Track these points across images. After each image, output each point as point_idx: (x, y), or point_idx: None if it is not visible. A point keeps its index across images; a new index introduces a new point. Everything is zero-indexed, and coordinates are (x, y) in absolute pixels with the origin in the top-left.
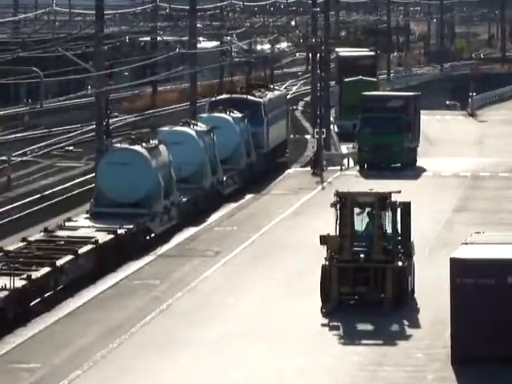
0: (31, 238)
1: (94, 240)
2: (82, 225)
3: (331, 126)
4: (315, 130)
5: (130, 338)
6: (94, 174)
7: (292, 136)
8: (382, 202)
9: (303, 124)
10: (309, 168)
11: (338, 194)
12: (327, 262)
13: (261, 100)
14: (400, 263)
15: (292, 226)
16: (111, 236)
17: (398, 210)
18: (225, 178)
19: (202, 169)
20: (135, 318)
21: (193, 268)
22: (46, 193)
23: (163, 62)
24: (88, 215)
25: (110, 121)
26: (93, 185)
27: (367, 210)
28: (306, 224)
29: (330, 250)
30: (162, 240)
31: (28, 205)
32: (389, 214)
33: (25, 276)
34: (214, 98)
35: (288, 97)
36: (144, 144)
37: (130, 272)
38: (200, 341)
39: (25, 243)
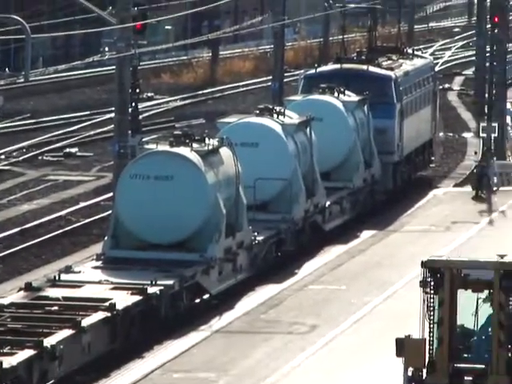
0: (2, 301)
1: (108, 304)
2: (89, 279)
3: (508, 118)
4: (481, 125)
5: None
6: (110, 195)
7: (442, 134)
8: (510, 279)
9: (460, 115)
10: (469, 188)
11: (428, 264)
12: None
13: (391, 74)
14: None
15: None
16: (137, 298)
17: None
18: (328, 204)
19: (292, 188)
20: None
21: (272, 353)
22: (30, 225)
23: (229, 9)
24: (99, 263)
25: (141, 105)
26: (108, 212)
27: (484, 294)
28: None
29: (411, 365)
30: (222, 305)
31: None
32: None
33: None
34: (312, 70)
35: (437, 69)
36: (195, 145)
37: (168, 358)
38: None
39: None
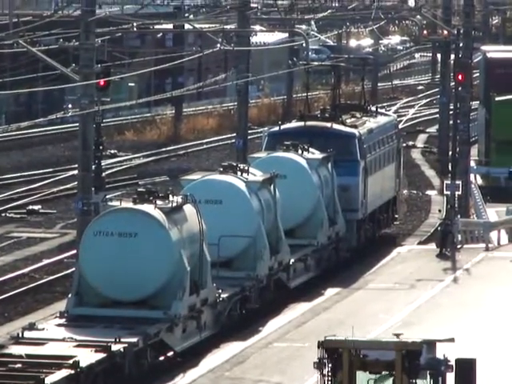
0: None
1: (71, 362)
2: (53, 336)
3: (471, 176)
4: (444, 183)
5: None
6: (74, 252)
7: (405, 192)
8: (412, 360)
9: (424, 172)
10: (433, 245)
11: (325, 344)
12: None
13: (355, 131)
14: None
15: None
16: (101, 355)
17: (445, 376)
18: (292, 261)
19: (256, 245)
20: None
21: None
22: None
23: (193, 66)
24: (63, 320)
25: (104, 162)
26: (72, 270)
27: (383, 375)
28: None
29: None
30: (187, 363)
31: None
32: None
33: None
34: (276, 127)
35: (400, 126)
36: (159, 202)
37: None
38: None
39: None
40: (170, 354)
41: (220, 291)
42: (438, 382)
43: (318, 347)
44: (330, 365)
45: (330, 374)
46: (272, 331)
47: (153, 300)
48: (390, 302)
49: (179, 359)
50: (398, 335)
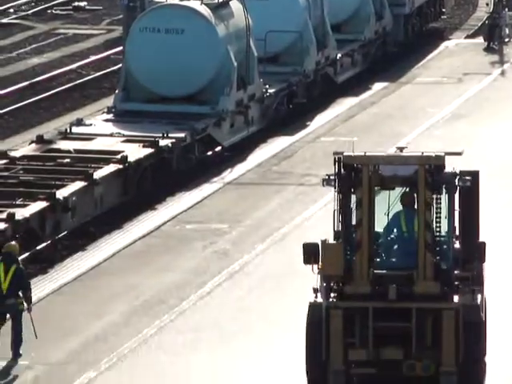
0: (15, 154)
1: (120, 157)
2: (101, 131)
3: None
4: None
5: (176, 319)
6: (120, 48)
7: None
8: (434, 174)
9: None
10: (480, 39)
11: (340, 159)
12: (321, 300)
13: None
14: (469, 299)
15: (448, 137)
16: (149, 150)
17: (457, 191)
18: (339, 56)
19: (302, 40)
20: (187, 287)
21: (284, 204)
22: (40, 78)
23: None
24: (110, 116)
25: None
26: (119, 66)
27: (401, 191)
28: (473, 134)
29: (326, 274)
30: (235, 157)
31: (7, 99)
32: (444, 198)
33: (4, 216)
34: None
35: None
36: None
37: (180, 210)
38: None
39: (4, 161)
40: (218, 148)
41: (267, 86)
42: (452, 195)
43: (335, 163)
44: (349, 182)
45: (343, 192)
46: (319, 126)
47: (200, 96)
48: (437, 95)
49: (227, 154)
50: (401, 149)
